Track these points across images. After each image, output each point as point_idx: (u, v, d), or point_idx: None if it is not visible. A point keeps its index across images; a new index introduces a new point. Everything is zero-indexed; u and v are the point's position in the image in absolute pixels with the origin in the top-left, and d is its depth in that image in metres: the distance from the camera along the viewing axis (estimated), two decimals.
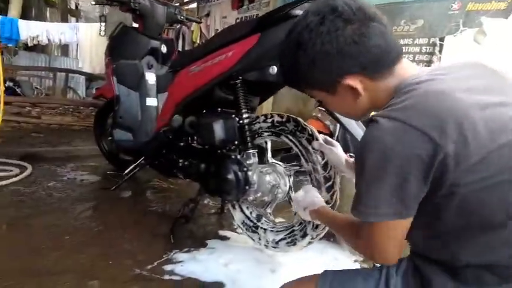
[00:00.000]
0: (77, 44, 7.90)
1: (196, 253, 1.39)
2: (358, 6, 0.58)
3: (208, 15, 5.48)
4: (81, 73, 5.73)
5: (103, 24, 6.13)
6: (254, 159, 1.30)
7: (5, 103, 4.81)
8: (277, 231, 1.33)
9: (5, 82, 5.61)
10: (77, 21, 7.85)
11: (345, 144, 2.84)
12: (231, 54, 1.24)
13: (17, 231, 1.39)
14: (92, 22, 7.44)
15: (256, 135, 1.33)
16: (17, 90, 5.56)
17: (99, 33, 6.30)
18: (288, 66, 0.67)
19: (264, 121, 1.31)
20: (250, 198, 1.32)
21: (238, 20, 5.04)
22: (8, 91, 5.35)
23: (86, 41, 7.21)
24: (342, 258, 1.49)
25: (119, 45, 2.00)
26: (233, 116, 1.34)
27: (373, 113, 0.63)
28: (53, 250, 1.26)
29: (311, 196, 0.94)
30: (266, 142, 1.35)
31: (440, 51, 2.83)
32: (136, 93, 2.08)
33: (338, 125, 2.83)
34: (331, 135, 2.94)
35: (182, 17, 2.20)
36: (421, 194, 0.53)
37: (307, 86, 0.68)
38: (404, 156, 0.51)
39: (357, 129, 1.16)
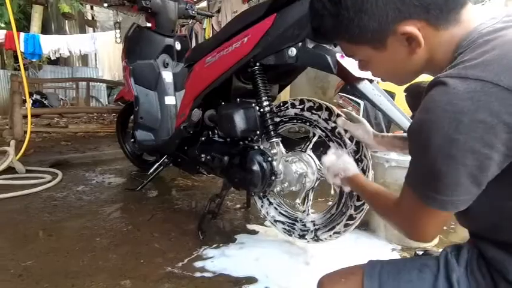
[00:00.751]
0: (95, 54, 8.19)
1: (226, 249, 1.36)
2: None
3: (219, 11, 5.45)
4: (101, 81, 5.90)
5: (118, 31, 6.28)
6: (278, 149, 1.24)
7: (35, 115, 5.06)
8: (311, 222, 1.26)
9: (32, 95, 5.90)
10: (94, 31, 8.09)
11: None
12: (246, 39, 1.18)
13: (52, 235, 1.42)
14: (108, 31, 7.64)
15: (281, 123, 1.26)
16: (45, 102, 5.80)
17: (115, 41, 6.46)
18: (326, 11, 0.54)
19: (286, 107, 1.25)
20: (277, 189, 1.27)
21: None
22: (36, 104, 5.60)
23: (103, 50, 7.42)
24: (378, 247, 1.41)
25: (134, 46, 2.00)
26: (253, 105, 1.29)
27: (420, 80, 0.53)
28: (86, 252, 1.28)
29: (343, 161, 0.85)
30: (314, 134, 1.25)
31: None
32: (154, 93, 2.08)
33: (361, 109, 2.72)
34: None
35: (194, 12, 2.17)
36: (495, 173, 0.43)
37: (349, 40, 0.55)
38: (487, 126, 0.40)
39: (400, 116, 1.05)
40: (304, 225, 1.30)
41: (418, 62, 0.52)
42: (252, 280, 1.14)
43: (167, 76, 2.09)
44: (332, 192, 1.08)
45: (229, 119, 1.27)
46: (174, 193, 2.08)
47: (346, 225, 1.16)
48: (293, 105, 1.21)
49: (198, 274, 1.17)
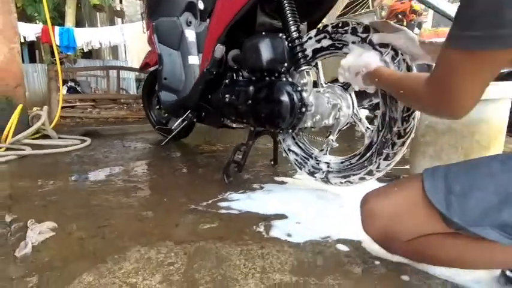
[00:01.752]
0: (125, 45, 8.46)
1: (252, 193, 1.27)
2: None
3: None
4: (130, 69, 6.07)
5: (144, 21, 6.37)
6: (309, 78, 1.13)
7: (69, 107, 5.32)
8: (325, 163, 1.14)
9: (67, 82, 6.20)
10: (122, 22, 8.36)
11: None
12: None
13: (77, 180, 1.41)
14: (136, 22, 7.84)
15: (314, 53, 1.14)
16: (78, 88, 6.08)
17: (143, 31, 6.57)
18: None
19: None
20: (308, 124, 1.16)
21: None
22: (70, 90, 5.88)
23: (131, 41, 7.64)
24: None
25: (156, 3, 1.96)
26: (280, 35, 1.18)
27: None
28: (109, 192, 1.25)
29: (364, 57, 0.80)
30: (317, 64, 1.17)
31: None
32: (178, 52, 2.04)
33: None
34: None
35: None
36: None
37: None
38: None
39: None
40: (318, 163, 1.20)
41: None
42: (281, 216, 1.04)
43: (190, 35, 2.04)
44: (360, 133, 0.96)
45: (255, 50, 1.17)
46: (198, 155, 2.03)
47: (361, 179, 1.08)
48: (326, 31, 1.08)
49: (223, 211, 1.09)
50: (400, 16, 2.38)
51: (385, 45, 0.90)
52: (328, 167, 1.18)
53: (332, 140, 1.17)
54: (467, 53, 0.46)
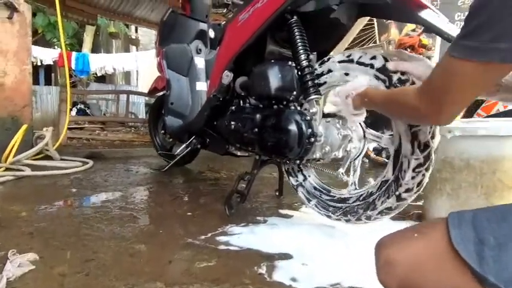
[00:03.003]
0: (137, 71, 8.72)
1: (255, 227, 1.18)
2: None
3: None
4: (139, 93, 6.21)
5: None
6: (318, 108, 1.08)
7: (78, 128, 5.40)
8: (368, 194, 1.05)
9: (77, 104, 6.33)
10: (137, 50, 8.68)
11: None
12: None
13: (72, 204, 1.34)
14: (150, 50, 8.14)
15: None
16: (87, 111, 6.17)
17: (155, 58, 6.73)
18: None
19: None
20: (317, 155, 1.09)
21: None
22: (80, 112, 5.98)
23: (144, 68, 7.88)
24: None
25: (168, 30, 2.00)
26: (289, 63, 1.15)
27: None
28: (102, 220, 1.17)
29: (353, 81, 0.80)
30: None
31: None
32: (186, 79, 2.04)
33: None
34: None
35: (228, 0, 2.15)
36: None
37: None
38: None
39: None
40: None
41: None
42: (285, 256, 0.95)
43: (199, 62, 2.06)
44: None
45: (263, 77, 1.14)
46: (201, 182, 1.96)
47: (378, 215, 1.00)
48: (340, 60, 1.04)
49: (222, 247, 1.00)
50: (408, 50, 2.39)
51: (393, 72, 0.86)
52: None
53: (342, 173, 1.09)
54: (466, 61, 0.45)
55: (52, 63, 7.25)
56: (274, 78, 1.12)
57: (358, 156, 1.10)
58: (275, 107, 1.20)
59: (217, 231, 1.13)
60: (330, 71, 1.07)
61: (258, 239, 1.07)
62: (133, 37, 8.07)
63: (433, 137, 0.84)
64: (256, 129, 1.18)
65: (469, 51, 0.45)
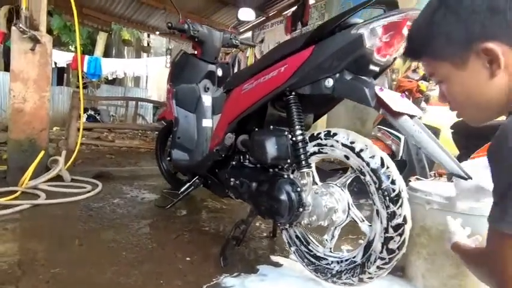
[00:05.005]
0: (147, 76, 8.92)
1: (246, 279, 1.30)
2: None
3: (262, 41, 5.70)
4: (148, 101, 6.37)
5: (168, 56, 6.79)
6: (308, 179, 1.20)
7: (87, 129, 5.56)
8: (337, 262, 1.18)
9: (87, 111, 6.52)
10: (148, 56, 8.86)
11: (411, 165, 2.55)
12: (284, 68, 1.20)
13: (83, 244, 1.47)
14: (160, 56, 8.32)
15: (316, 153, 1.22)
16: (97, 117, 6.35)
17: (165, 65, 6.97)
18: (419, 29, 0.58)
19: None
20: (304, 221, 1.21)
21: None
22: (90, 118, 6.16)
23: (153, 73, 8.08)
24: None
25: (179, 70, 2.13)
26: (286, 133, 1.28)
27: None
28: (111, 265, 1.30)
29: (449, 233, 0.89)
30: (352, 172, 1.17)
31: None
32: (193, 115, 2.17)
33: (402, 143, 2.57)
34: (394, 155, 2.67)
35: (237, 42, 2.28)
36: None
37: (434, 55, 0.57)
38: None
39: (444, 155, 0.95)
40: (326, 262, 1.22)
41: (497, 91, 0.51)
42: None
43: (207, 100, 2.18)
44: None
45: (261, 145, 1.26)
46: (202, 214, 2.09)
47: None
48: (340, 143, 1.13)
49: None
50: (406, 93, 2.49)
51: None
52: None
53: (326, 240, 1.21)
54: (506, 234, 0.48)
55: (65, 65, 7.50)
56: (271, 148, 1.25)
57: (340, 225, 1.21)
58: (271, 170, 1.32)
59: (212, 282, 1.25)
60: (332, 148, 1.16)
61: None
62: (146, 44, 8.25)
63: (400, 248, 0.96)
64: (252, 191, 1.31)
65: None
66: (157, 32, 2.13)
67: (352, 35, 1.01)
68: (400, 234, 0.97)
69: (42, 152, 2.28)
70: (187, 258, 1.43)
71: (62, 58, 7.28)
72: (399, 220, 0.98)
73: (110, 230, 1.65)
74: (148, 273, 1.27)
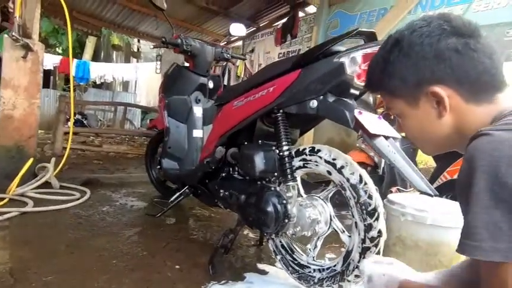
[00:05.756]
0: (136, 81, 8.89)
1: (233, 286, 1.36)
2: (470, 22, 0.55)
3: (252, 51, 5.82)
4: (137, 106, 6.35)
5: (159, 62, 6.82)
6: (294, 192, 1.28)
7: (74, 133, 5.50)
8: (319, 270, 1.26)
9: (75, 115, 6.42)
10: (137, 61, 8.84)
11: (392, 177, 2.68)
12: (272, 89, 1.29)
13: (74, 252, 1.50)
14: (150, 62, 8.32)
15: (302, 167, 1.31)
16: (84, 122, 6.28)
17: (155, 71, 6.98)
18: (377, 66, 0.62)
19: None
20: (289, 232, 1.29)
21: (281, 55, 5.26)
22: (77, 123, 6.08)
23: (143, 78, 8.06)
24: None
25: (172, 83, 2.20)
26: (273, 148, 1.36)
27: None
28: (102, 273, 1.34)
29: (391, 272, 0.72)
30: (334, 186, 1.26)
31: None
32: (184, 126, 2.23)
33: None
34: (376, 167, 2.80)
35: (228, 55, 2.36)
36: None
37: (390, 91, 0.61)
38: None
39: (414, 176, 1.04)
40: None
41: (446, 129, 0.56)
42: None
43: (198, 111, 2.25)
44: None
45: (250, 159, 1.34)
46: (191, 223, 2.14)
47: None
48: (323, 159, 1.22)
49: None
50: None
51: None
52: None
53: (309, 249, 1.30)
54: (490, 266, 0.45)
55: (53, 68, 7.39)
56: (259, 162, 1.33)
57: (323, 235, 1.30)
58: (258, 182, 1.40)
59: None
60: (316, 163, 1.26)
61: None
62: (135, 49, 8.25)
63: None
64: (240, 203, 1.38)
65: (483, 252, 0.44)
66: (152, 46, 2.17)
67: (334, 63, 1.11)
68: (376, 245, 1.06)
69: (31, 160, 2.29)
70: (177, 266, 1.48)
71: (49, 61, 7.18)
72: (375, 232, 1.07)
73: (100, 238, 1.68)
74: (139, 281, 1.32)
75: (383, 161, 2.74)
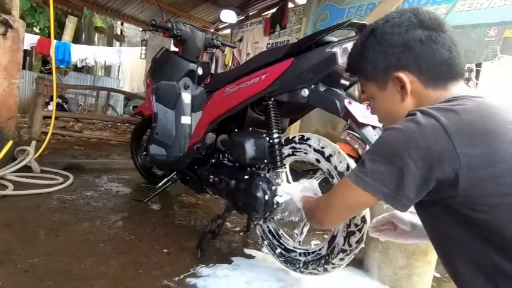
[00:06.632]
0: (119, 66, 8.60)
1: (220, 269, 1.40)
2: (436, 17, 0.62)
3: (241, 40, 5.76)
4: (121, 92, 6.16)
5: (144, 47, 6.58)
6: (283, 178, 1.32)
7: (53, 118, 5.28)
8: (304, 254, 1.31)
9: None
10: (121, 45, 8.54)
11: None
12: (264, 77, 1.30)
13: (59, 235, 1.48)
14: (134, 46, 8.07)
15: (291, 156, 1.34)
16: (65, 106, 6.06)
17: (140, 56, 6.76)
18: (355, 52, 0.70)
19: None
20: (278, 217, 1.33)
21: (269, 45, 5.24)
22: (57, 107, 5.85)
23: (127, 63, 7.81)
24: (370, 287, 1.43)
25: (160, 67, 2.15)
26: (264, 135, 1.38)
27: None
28: (89, 256, 1.34)
29: (307, 185, 0.99)
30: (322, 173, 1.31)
31: (477, 77, 2.75)
32: (172, 112, 2.21)
33: (367, 148, 2.79)
34: (360, 158, 2.89)
35: (218, 42, 2.34)
36: (419, 191, 0.55)
37: (365, 75, 0.69)
38: (422, 147, 0.52)
39: None
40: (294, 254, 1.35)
41: (407, 110, 0.63)
42: None
43: (186, 97, 2.23)
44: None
45: (240, 146, 1.36)
46: (177, 209, 2.15)
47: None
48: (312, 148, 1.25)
49: None
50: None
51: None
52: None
53: (297, 234, 1.34)
54: (352, 185, 0.60)
55: (29, 48, 7.02)
56: (249, 149, 1.35)
57: None
58: (248, 169, 1.43)
59: (189, 272, 1.34)
60: (305, 152, 1.29)
61: (220, 282, 1.30)
62: (119, 33, 7.95)
63: (359, 241, 1.10)
64: (230, 188, 1.41)
65: (355, 177, 0.59)
66: (140, 28, 2.11)
67: (327, 53, 1.14)
68: (360, 230, 1.12)
69: (11, 142, 2.20)
70: (165, 250, 1.50)
71: (26, 40, 6.81)
72: (359, 217, 1.12)
73: (85, 222, 1.66)
74: (127, 264, 1.33)
75: None
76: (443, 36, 0.60)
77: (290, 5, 5.04)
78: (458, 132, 0.51)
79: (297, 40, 1.49)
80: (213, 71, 5.39)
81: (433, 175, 0.52)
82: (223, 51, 4.85)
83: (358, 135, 2.89)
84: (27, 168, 2.33)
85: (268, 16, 5.28)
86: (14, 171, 2.16)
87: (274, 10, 5.15)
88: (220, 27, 6.35)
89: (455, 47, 0.61)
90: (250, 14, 5.78)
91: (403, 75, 0.62)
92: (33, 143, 2.36)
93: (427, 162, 0.52)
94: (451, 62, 0.61)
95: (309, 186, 0.98)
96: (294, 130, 4.02)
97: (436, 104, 0.59)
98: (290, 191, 1.01)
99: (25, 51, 8.01)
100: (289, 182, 1.36)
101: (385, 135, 0.59)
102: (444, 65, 0.60)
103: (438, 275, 1.59)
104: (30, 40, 6.87)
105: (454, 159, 0.51)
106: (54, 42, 3.89)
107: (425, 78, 0.61)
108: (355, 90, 4.10)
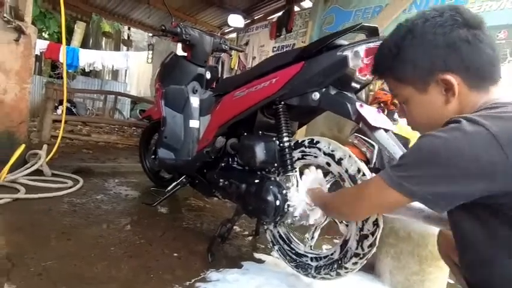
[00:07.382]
0: (126, 70, 8.70)
1: (230, 274, 1.39)
2: (477, 16, 0.60)
3: (247, 44, 5.79)
4: (128, 96, 6.22)
5: (150, 52, 6.67)
6: (294, 181, 1.31)
7: (61, 121, 5.35)
8: (316, 258, 1.30)
9: (63, 103, 6.27)
10: (128, 50, 8.65)
11: None
12: (275, 80, 1.30)
13: (70, 239, 1.49)
14: (141, 51, 8.16)
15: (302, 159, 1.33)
16: (73, 110, 6.14)
17: (147, 61, 6.85)
18: (388, 53, 0.66)
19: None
20: (288, 221, 1.32)
21: (275, 49, 5.25)
22: (66, 111, 5.94)
23: (134, 68, 7.90)
24: None
25: (169, 72, 2.17)
26: (274, 139, 1.38)
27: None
28: (100, 260, 1.34)
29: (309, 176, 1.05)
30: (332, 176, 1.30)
31: None
32: (181, 116, 2.22)
33: (375, 151, 2.77)
34: (368, 162, 2.87)
35: (226, 47, 2.35)
36: (460, 199, 0.54)
37: (398, 77, 0.66)
38: (469, 156, 0.51)
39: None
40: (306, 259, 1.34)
41: (449, 114, 0.61)
42: None
43: (194, 101, 2.24)
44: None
45: (251, 150, 1.36)
46: (186, 212, 2.15)
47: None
48: (322, 151, 1.25)
49: None
50: (382, 105, 2.69)
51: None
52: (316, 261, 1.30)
53: (308, 238, 1.33)
54: (386, 186, 0.60)
55: (39, 53, 7.15)
56: (259, 153, 1.35)
57: (320, 225, 1.34)
58: (258, 172, 1.43)
59: (199, 277, 1.34)
60: (315, 155, 1.28)
61: (231, 287, 1.29)
62: (126, 37, 8.06)
63: (372, 245, 1.09)
64: (240, 192, 1.40)
65: (390, 179, 0.60)
66: (150, 34, 2.12)
67: (338, 56, 1.14)
68: (373, 233, 1.10)
69: (23, 146, 2.23)
70: (175, 254, 1.50)
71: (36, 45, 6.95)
72: (372, 221, 1.11)
73: (96, 226, 1.67)
74: (138, 268, 1.33)
75: (374, 156, 2.81)
76: (487, 35, 0.58)
77: (296, 8, 5.05)
78: (509, 141, 0.49)
79: (303, 43, 1.50)
80: (219, 75, 5.43)
81: (481, 185, 0.50)
82: (230, 55, 4.87)
83: (365, 139, 2.88)
84: (38, 172, 2.36)
85: (274, 20, 5.30)
86: (26, 175, 2.19)
87: (280, 14, 5.17)
88: (226, 31, 6.39)
89: (497, 47, 0.59)
90: (256, 17, 5.81)
91: (451, 77, 0.59)
92: (45, 146, 2.39)
93: (474, 173, 0.50)
94: (496, 62, 0.59)
95: (315, 178, 1.07)
96: (300, 134, 4.01)
97: (475, 108, 0.57)
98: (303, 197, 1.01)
99: (35, 56, 8.19)
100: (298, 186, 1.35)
101: (425, 143, 0.56)
102: (489, 65, 0.58)
103: (451, 281, 1.56)
104: (39, 45, 6.99)
105: (508, 169, 0.48)
106: (65, 47, 3.96)
107: (471, 79, 0.59)
108: (362, 93, 4.10)
